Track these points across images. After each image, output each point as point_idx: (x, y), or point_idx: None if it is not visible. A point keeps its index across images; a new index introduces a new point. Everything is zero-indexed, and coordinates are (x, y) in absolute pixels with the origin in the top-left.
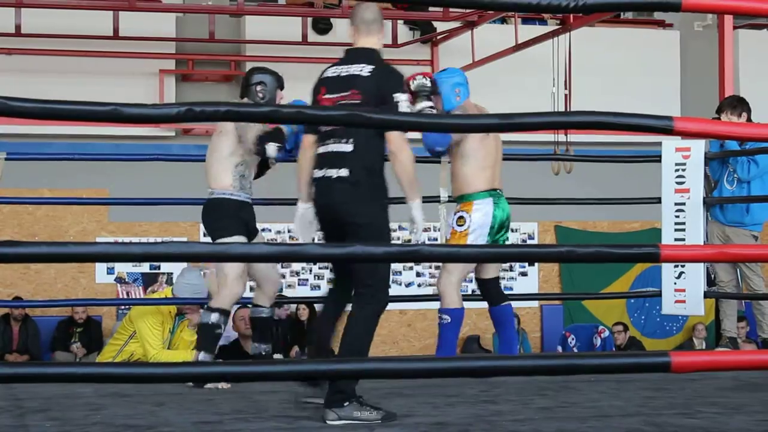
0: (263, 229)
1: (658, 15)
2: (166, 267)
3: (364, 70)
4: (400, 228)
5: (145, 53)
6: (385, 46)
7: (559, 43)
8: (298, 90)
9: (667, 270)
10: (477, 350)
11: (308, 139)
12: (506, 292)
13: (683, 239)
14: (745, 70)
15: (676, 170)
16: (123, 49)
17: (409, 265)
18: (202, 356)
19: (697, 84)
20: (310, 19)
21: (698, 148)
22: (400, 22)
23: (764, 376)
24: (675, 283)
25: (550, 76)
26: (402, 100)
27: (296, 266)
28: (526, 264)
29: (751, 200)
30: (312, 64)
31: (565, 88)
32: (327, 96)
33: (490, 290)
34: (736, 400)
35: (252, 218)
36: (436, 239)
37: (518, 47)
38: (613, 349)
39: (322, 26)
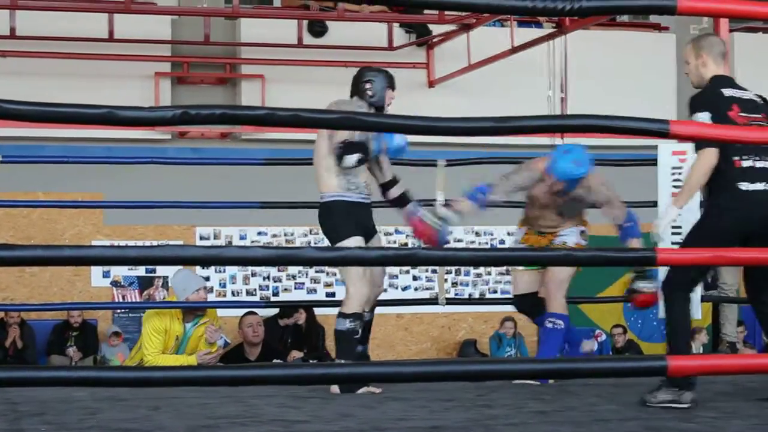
0: (259, 233)
1: (653, 18)
2: (162, 270)
3: (755, 96)
4: (397, 232)
5: (140, 56)
6: (380, 49)
7: (555, 47)
8: (293, 92)
9: (664, 273)
10: (474, 354)
11: (715, 153)
12: (502, 296)
13: (680, 243)
14: (741, 74)
15: (673, 174)
16: (118, 52)
17: (405, 268)
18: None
19: (693, 90)
20: (305, 22)
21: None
22: (395, 25)
23: (763, 380)
24: None
25: (546, 79)
26: None
27: (293, 270)
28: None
29: None
30: (307, 67)
31: (561, 92)
32: (743, 115)
33: (528, 302)
34: (733, 405)
35: (369, 218)
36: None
37: (514, 50)
38: (611, 352)
39: (318, 29)
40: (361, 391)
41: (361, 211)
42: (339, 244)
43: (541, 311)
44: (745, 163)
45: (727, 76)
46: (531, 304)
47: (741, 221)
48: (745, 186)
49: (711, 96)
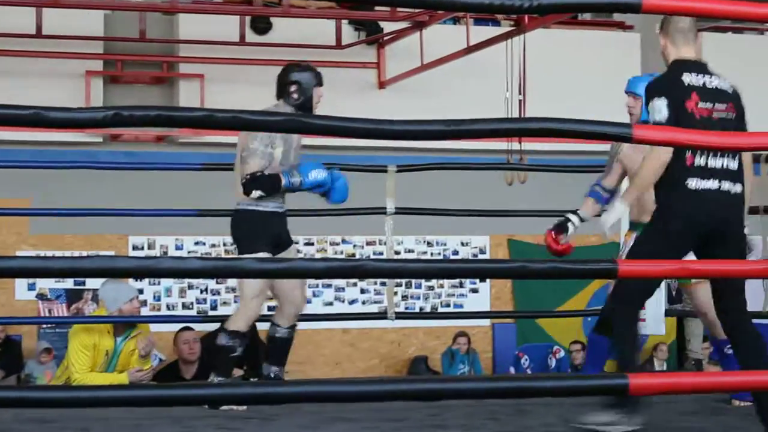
0: (196, 242)
1: (617, 16)
2: (91, 283)
3: (727, 85)
4: (344, 242)
5: (70, 53)
6: (328, 47)
7: (513, 46)
8: (234, 93)
9: None
10: (425, 371)
11: (668, 154)
12: (455, 310)
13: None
14: None
15: None
16: (46, 49)
17: (353, 281)
18: (216, 380)
19: None
20: (248, 18)
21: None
22: (344, 22)
23: (728, 399)
24: None
25: (503, 80)
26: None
27: (232, 282)
28: (477, 280)
29: None
30: (250, 66)
31: (520, 93)
32: (702, 105)
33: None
34: (697, 425)
35: (283, 228)
36: (381, 253)
37: (470, 49)
38: (569, 370)
39: (262, 26)
40: (224, 408)
41: (275, 221)
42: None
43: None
44: (699, 160)
45: (693, 59)
46: None
47: (691, 223)
48: (693, 184)
49: (669, 82)
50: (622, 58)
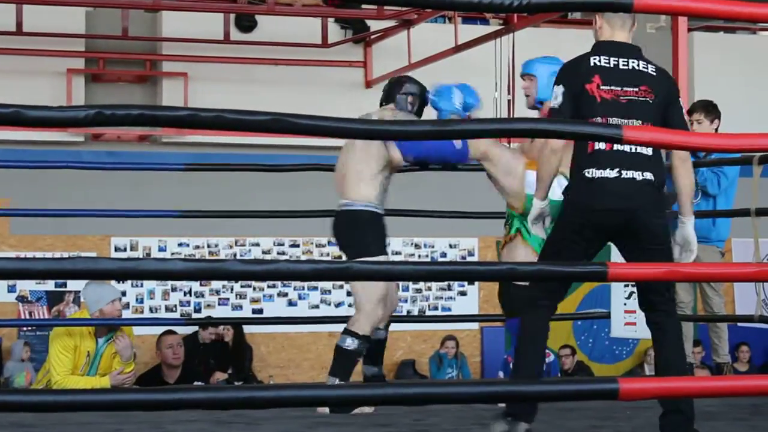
0: (180, 244)
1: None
2: (73, 285)
3: (649, 67)
4: (330, 243)
5: (51, 51)
6: (314, 45)
7: (502, 45)
8: (218, 92)
9: (617, 290)
10: (412, 376)
11: (560, 140)
12: (443, 313)
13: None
14: (701, 75)
15: None
16: (27, 46)
17: (339, 283)
18: (331, 381)
19: None
20: (232, 16)
21: None
22: (330, 20)
23: (719, 404)
24: (625, 304)
25: (492, 79)
26: (682, 105)
27: (216, 284)
28: (466, 283)
29: (706, 215)
30: (234, 65)
31: (509, 93)
32: (606, 87)
33: None
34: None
35: None
36: None
37: (458, 48)
38: (558, 374)
39: (246, 23)
40: (355, 411)
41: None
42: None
43: None
44: (599, 145)
45: (618, 42)
46: None
47: (586, 213)
48: (591, 173)
49: (571, 66)
50: None
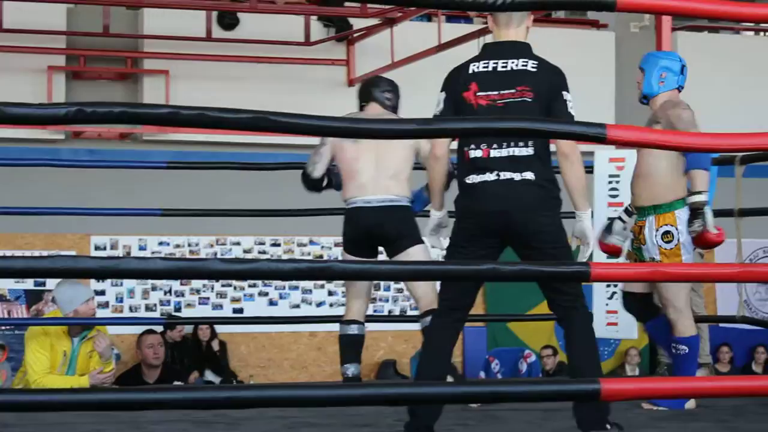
0: (160, 243)
1: (591, 15)
2: (52, 284)
3: (529, 64)
4: (311, 243)
5: (32, 48)
6: (296, 43)
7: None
8: (200, 90)
9: (599, 290)
10: (393, 376)
11: (445, 143)
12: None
13: None
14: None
15: (610, 182)
16: (7, 43)
17: (320, 283)
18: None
19: (633, 89)
20: (214, 13)
21: (633, 158)
22: (313, 18)
23: (700, 404)
24: (607, 304)
25: None
26: (569, 98)
27: (197, 284)
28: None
29: None
30: (216, 63)
31: None
32: (483, 93)
33: (639, 306)
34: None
35: None
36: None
37: (441, 47)
38: (540, 374)
39: (228, 21)
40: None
41: None
42: (418, 248)
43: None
44: (474, 153)
45: (501, 42)
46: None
47: (472, 218)
48: (471, 179)
49: (456, 73)
50: (597, 56)
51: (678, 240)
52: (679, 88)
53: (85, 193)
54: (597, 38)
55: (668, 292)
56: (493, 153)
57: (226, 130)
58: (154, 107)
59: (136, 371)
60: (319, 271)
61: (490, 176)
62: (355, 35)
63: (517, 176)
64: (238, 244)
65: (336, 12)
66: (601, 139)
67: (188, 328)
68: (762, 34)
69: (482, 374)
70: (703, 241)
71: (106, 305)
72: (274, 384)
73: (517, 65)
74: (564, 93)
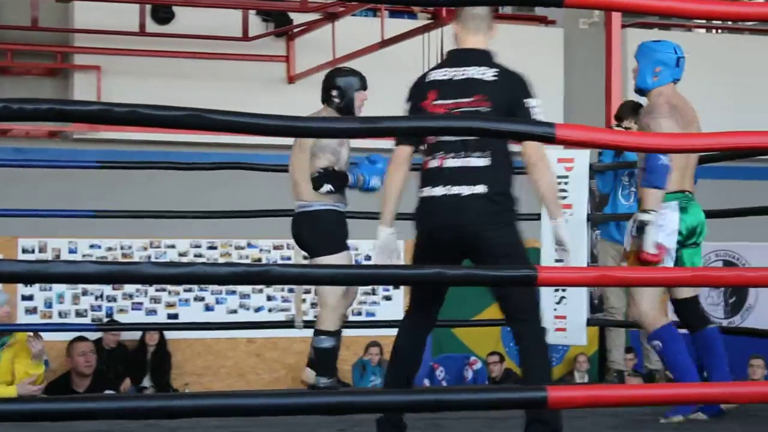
0: (92, 245)
1: (539, 11)
2: None
3: (487, 73)
4: (250, 246)
5: None
6: (234, 39)
7: (431, 40)
8: (133, 86)
9: (547, 294)
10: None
11: (404, 153)
12: (367, 319)
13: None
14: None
15: (558, 184)
16: None
17: (259, 287)
18: (324, 382)
19: (582, 87)
20: (148, 7)
21: (583, 159)
22: (251, 12)
23: (649, 412)
24: (555, 309)
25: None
26: (533, 105)
27: (130, 288)
28: (391, 287)
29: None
30: (150, 58)
31: None
32: (439, 102)
33: (688, 312)
34: None
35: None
36: (289, 258)
37: (385, 43)
38: (486, 382)
39: (163, 15)
40: None
41: (345, 222)
42: (327, 258)
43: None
44: (432, 164)
45: (462, 49)
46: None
47: (423, 232)
48: (424, 192)
49: (417, 82)
50: (545, 53)
51: None
52: (676, 81)
53: (12, 194)
54: (545, 35)
55: (633, 294)
56: (449, 162)
57: (159, 129)
58: (83, 104)
59: (66, 380)
60: (256, 275)
61: (440, 190)
62: (295, 30)
63: (466, 190)
64: (173, 247)
65: (275, 6)
66: (550, 139)
67: (125, 334)
68: (714, 31)
69: (426, 382)
70: (640, 259)
71: (34, 311)
72: (210, 392)
73: (474, 74)
74: (527, 100)
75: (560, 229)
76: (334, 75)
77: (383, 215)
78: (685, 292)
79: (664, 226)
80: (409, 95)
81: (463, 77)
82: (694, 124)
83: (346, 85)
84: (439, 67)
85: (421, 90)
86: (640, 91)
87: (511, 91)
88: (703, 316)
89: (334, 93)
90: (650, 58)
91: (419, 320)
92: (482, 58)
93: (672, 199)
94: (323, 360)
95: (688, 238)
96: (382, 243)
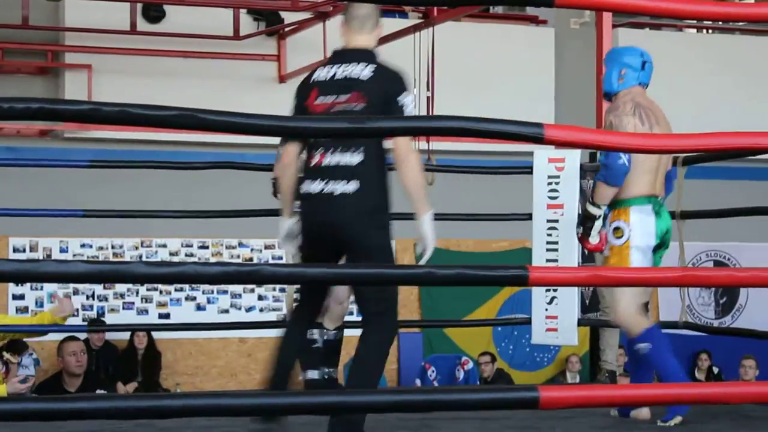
0: (82, 245)
1: (530, 10)
2: None
3: (365, 71)
4: (241, 245)
5: None
6: (225, 38)
7: (422, 39)
8: (124, 85)
9: (538, 294)
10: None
11: (292, 151)
12: (358, 318)
13: (556, 260)
14: None
15: (549, 183)
16: None
17: (250, 287)
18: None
19: (573, 87)
20: (139, 6)
21: (573, 159)
22: (242, 11)
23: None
24: (546, 310)
25: (410, 75)
26: (407, 102)
27: (121, 287)
28: None
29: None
30: (141, 57)
31: (428, 90)
32: (320, 100)
33: None
34: None
35: None
36: (281, 258)
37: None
38: (478, 382)
39: (154, 14)
40: None
41: None
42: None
43: None
44: (312, 160)
45: (346, 49)
46: None
47: (303, 228)
48: (305, 187)
49: (303, 82)
50: (536, 53)
51: (628, 237)
52: (643, 85)
53: (3, 193)
54: (536, 35)
55: (610, 297)
56: (327, 159)
57: (150, 128)
58: (74, 103)
59: (57, 380)
60: (247, 275)
61: (317, 186)
62: (286, 29)
63: (339, 187)
64: (164, 246)
65: (266, 5)
66: (539, 140)
67: (113, 335)
68: (704, 31)
69: (418, 382)
70: (583, 245)
71: (25, 310)
72: (201, 392)
73: (352, 72)
74: (400, 99)
75: (423, 225)
76: None
77: (284, 209)
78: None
79: (634, 230)
80: (296, 94)
81: (342, 76)
82: (661, 124)
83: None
84: (323, 66)
85: (305, 89)
86: (607, 94)
87: (385, 89)
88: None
89: None
90: (616, 61)
91: (304, 321)
92: (362, 56)
93: (645, 202)
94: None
95: (661, 244)
96: (287, 231)
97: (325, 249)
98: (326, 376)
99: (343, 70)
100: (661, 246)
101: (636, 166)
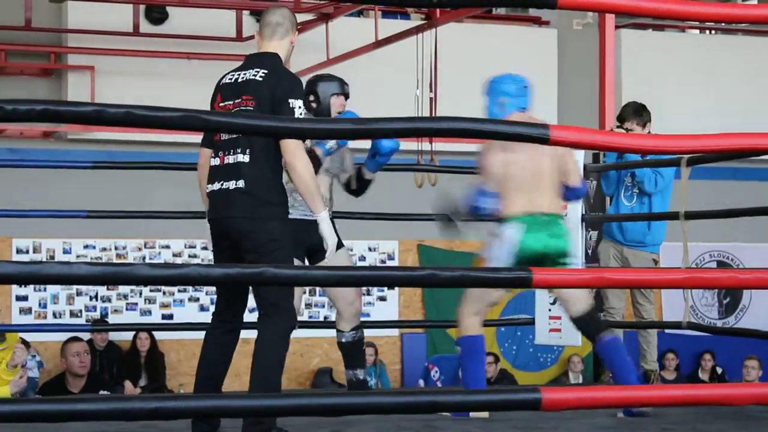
0: (86, 246)
1: (533, 12)
2: None
3: (259, 74)
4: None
5: None
6: (228, 39)
7: (424, 40)
8: (127, 87)
9: (541, 295)
10: (329, 384)
11: (206, 153)
12: (362, 319)
13: None
14: (628, 73)
15: None
16: None
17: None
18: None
19: (576, 88)
20: (142, 7)
21: (578, 158)
22: (245, 12)
23: (643, 413)
24: (549, 310)
25: (413, 76)
26: (297, 106)
27: (124, 289)
28: (385, 288)
29: (632, 218)
30: (144, 59)
31: (431, 91)
32: (223, 104)
33: (586, 326)
34: None
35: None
36: None
37: (378, 44)
38: None
39: (157, 15)
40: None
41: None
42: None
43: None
44: (214, 161)
45: (254, 54)
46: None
47: (211, 226)
48: (208, 187)
49: (216, 84)
50: (539, 54)
51: (488, 252)
52: (521, 110)
53: (7, 194)
54: (539, 36)
55: (567, 300)
56: (226, 160)
57: (154, 129)
58: (78, 105)
59: (60, 381)
60: (250, 276)
61: (216, 185)
62: None
63: (231, 185)
64: (167, 247)
65: (269, 6)
66: (544, 141)
67: (117, 336)
68: (707, 32)
69: (421, 382)
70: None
71: (29, 311)
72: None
73: (249, 75)
74: (291, 101)
75: (321, 224)
76: (314, 81)
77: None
78: (580, 309)
79: (494, 246)
80: (212, 96)
81: (242, 79)
82: (527, 148)
83: (322, 90)
84: (230, 71)
85: (214, 92)
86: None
87: (273, 91)
88: (599, 325)
89: (311, 98)
90: (494, 91)
91: (225, 325)
92: (264, 60)
93: (517, 221)
94: (357, 352)
95: (536, 264)
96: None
97: (226, 245)
98: (354, 378)
99: (243, 75)
100: (542, 263)
101: (509, 185)
